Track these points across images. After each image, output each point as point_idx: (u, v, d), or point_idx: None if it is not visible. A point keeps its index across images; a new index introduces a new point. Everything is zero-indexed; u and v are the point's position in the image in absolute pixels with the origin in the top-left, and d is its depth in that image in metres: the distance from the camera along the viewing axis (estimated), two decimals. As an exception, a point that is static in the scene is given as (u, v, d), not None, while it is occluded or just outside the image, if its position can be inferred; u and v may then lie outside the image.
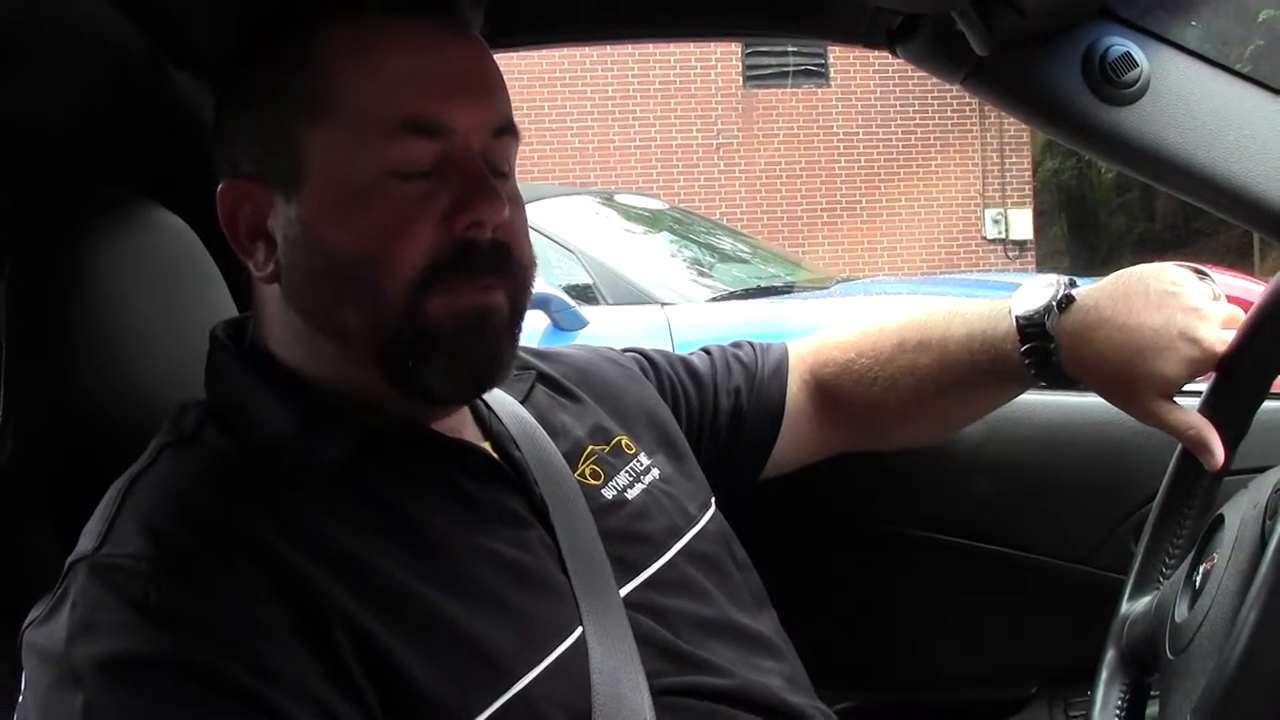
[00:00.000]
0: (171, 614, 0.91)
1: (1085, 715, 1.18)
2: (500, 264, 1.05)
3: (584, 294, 5.18)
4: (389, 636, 0.95)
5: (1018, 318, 1.30)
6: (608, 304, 5.15)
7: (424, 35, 1.05)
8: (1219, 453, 1.16)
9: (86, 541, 0.97)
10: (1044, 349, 1.28)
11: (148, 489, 1.01)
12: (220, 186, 1.07)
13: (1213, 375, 1.22)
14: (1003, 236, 13.38)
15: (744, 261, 6.58)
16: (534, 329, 4.32)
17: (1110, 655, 1.18)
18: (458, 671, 0.97)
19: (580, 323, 4.70)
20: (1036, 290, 1.31)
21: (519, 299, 1.08)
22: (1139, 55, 1.16)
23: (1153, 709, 1.13)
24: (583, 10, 1.51)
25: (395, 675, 0.94)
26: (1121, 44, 1.16)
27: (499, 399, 1.20)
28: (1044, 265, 14.09)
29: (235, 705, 0.89)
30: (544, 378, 1.29)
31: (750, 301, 5.39)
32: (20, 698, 0.96)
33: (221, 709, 0.89)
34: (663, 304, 5.08)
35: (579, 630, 1.04)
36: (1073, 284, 1.30)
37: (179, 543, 0.96)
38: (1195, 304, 1.22)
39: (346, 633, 0.94)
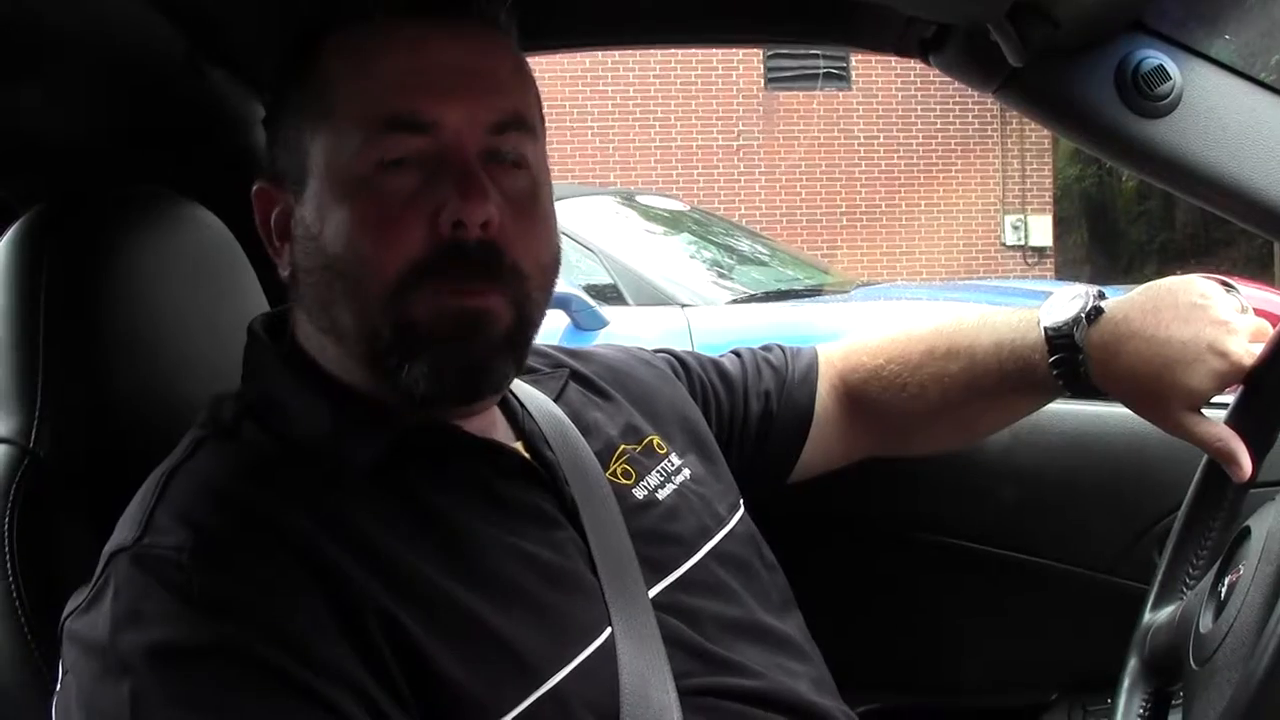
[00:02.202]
0: (215, 603, 0.92)
1: (1105, 722, 1.19)
2: (490, 268, 1.03)
3: (604, 294, 5.18)
4: (421, 633, 0.96)
5: (1046, 329, 1.31)
6: (628, 305, 5.14)
7: (419, 35, 1.06)
8: (1246, 464, 1.17)
9: (125, 532, 0.98)
10: (1073, 360, 1.29)
11: (186, 480, 1.02)
12: (254, 189, 1.11)
13: (1240, 388, 1.22)
14: (1022, 243, 13.30)
15: (763, 264, 6.56)
16: (554, 328, 4.32)
17: (1133, 663, 1.18)
18: (488, 669, 0.97)
19: (600, 323, 4.69)
20: (1065, 301, 1.31)
21: (525, 307, 1.06)
22: (1172, 68, 1.16)
23: (1174, 718, 1.13)
24: (612, 14, 1.51)
25: (427, 670, 0.95)
26: (1155, 57, 1.16)
27: (532, 397, 1.21)
28: (1063, 272, 14.02)
29: (281, 691, 0.90)
30: (577, 376, 1.30)
31: (770, 305, 5.38)
32: (58, 687, 0.96)
33: (268, 695, 0.90)
34: (682, 305, 5.08)
35: (608, 630, 1.05)
36: (1101, 295, 1.30)
37: (219, 534, 0.97)
38: (1223, 317, 1.23)
39: (380, 627, 0.94)
